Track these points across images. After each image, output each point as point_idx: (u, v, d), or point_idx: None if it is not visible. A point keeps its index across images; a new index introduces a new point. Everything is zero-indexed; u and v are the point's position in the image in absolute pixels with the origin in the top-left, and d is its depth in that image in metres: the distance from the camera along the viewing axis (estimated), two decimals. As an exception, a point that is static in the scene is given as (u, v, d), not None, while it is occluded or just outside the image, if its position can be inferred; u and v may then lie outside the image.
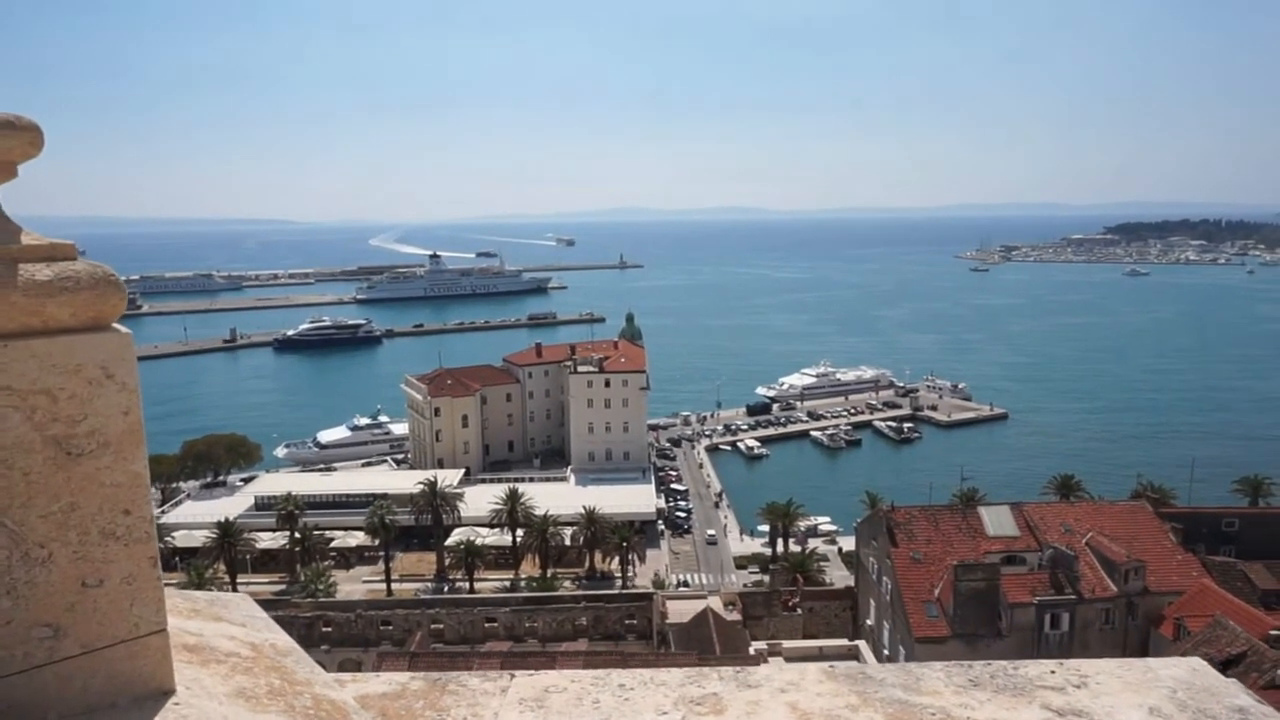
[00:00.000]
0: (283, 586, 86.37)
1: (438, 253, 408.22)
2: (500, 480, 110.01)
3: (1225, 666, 46.73)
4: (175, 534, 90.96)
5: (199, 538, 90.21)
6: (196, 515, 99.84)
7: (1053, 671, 3.72)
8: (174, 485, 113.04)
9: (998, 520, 61.14)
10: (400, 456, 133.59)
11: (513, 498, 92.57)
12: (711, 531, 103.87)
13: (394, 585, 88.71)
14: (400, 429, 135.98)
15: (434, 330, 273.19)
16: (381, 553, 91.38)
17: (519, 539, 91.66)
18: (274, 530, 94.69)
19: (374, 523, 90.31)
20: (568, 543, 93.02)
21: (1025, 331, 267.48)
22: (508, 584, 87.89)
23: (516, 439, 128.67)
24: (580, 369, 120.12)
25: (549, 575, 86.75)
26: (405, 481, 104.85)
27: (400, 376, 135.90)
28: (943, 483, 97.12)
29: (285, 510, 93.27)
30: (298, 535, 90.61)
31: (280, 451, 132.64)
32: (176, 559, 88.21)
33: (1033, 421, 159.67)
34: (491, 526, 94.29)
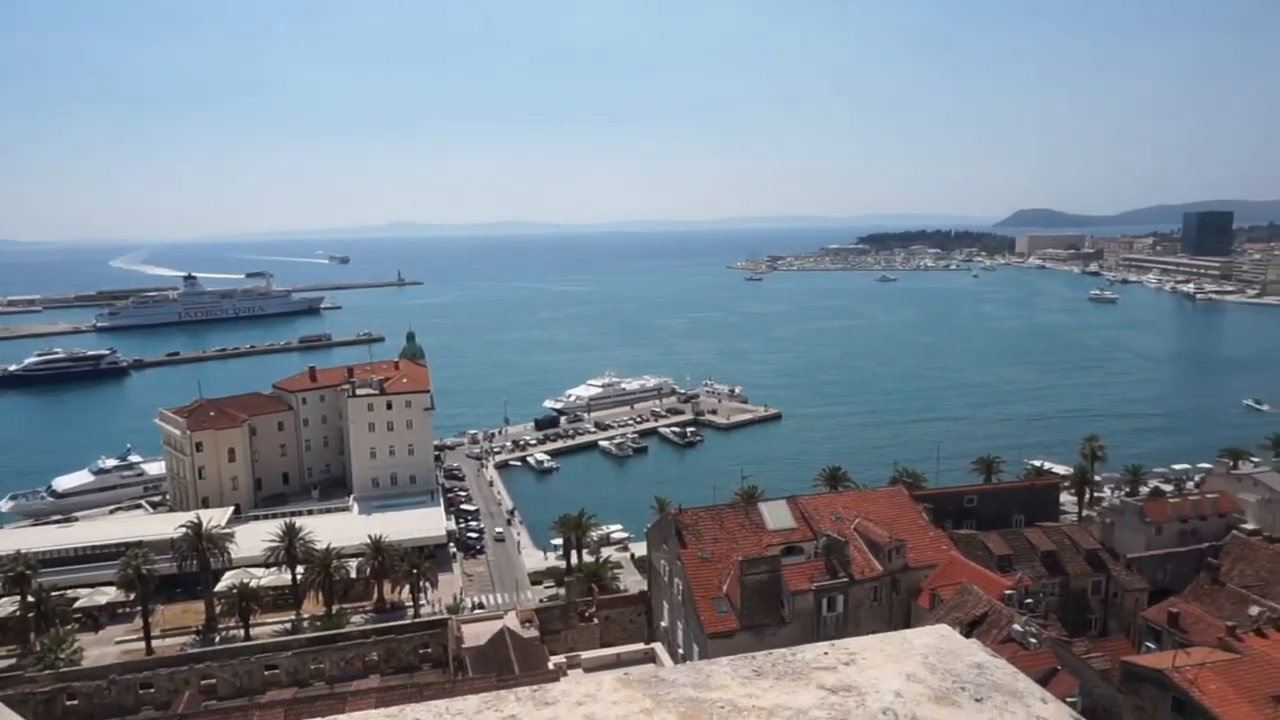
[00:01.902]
0: (13, 660, 75.68)
1: (193, 274, 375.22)
2: (275, 515, 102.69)
3: (973, 627, 52.40)
4: None
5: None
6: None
7: (826, 653, 4.00)
8: None
9: (776, 514, 64.85)
10: (157, 499, 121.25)
11: (290, 533, 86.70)
12: (499, 529, 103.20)
13: (155, 643, 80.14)
14: (156, 468, 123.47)
15: (191, 358, 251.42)
16: (139, 608, 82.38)
17: (299, 577, 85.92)
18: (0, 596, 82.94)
19: (127, 575, 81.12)
20: (354, 575, 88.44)
21: (792, 336, 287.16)
22: (289, 626, 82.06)
23: (292, 470, 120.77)
24: (359, 392, 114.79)
25: (335, 612, 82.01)
26: (164, 526, 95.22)
27: (154, 410, 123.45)
28: (725, 482, 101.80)
29: (13, 571, 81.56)
30: (31, 599, 79.70)
31: (4, 505, 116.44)
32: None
33: (803, 419, 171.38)
34: (268, 566, 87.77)
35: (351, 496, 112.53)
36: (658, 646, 61.03)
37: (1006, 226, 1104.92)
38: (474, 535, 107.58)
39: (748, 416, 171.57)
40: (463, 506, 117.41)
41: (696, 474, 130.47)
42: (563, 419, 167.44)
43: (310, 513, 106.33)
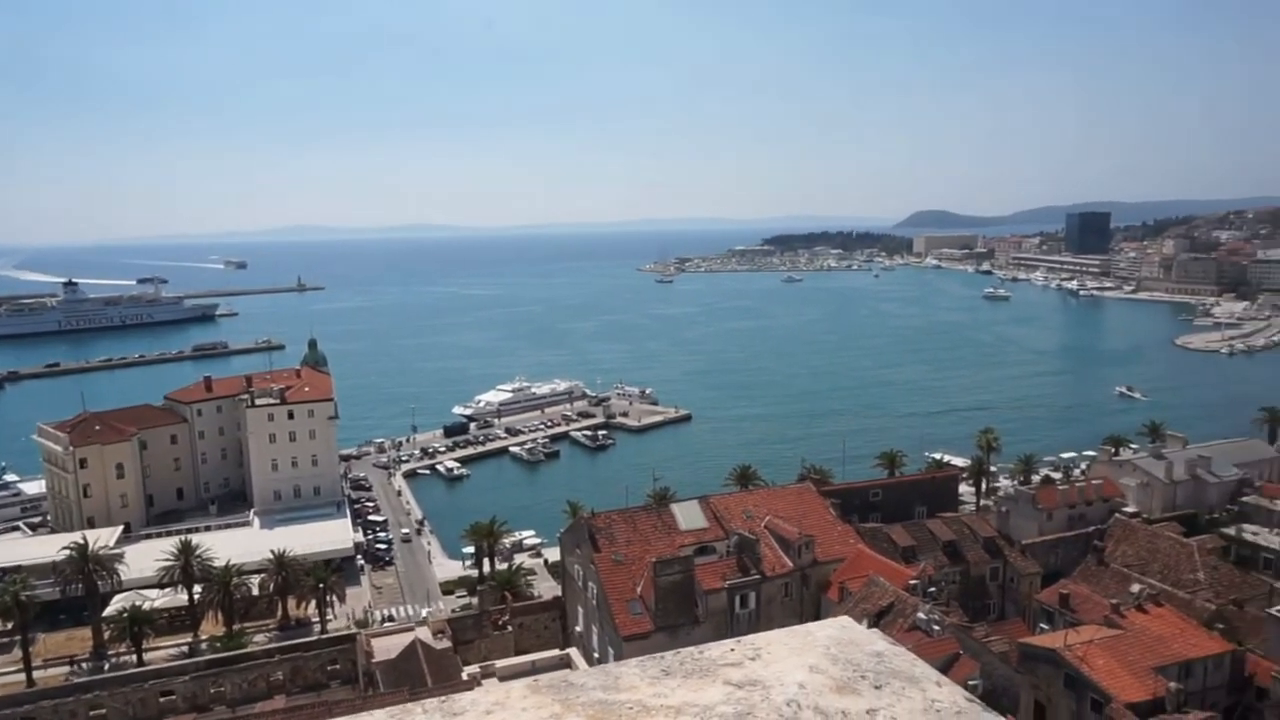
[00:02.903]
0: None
1: (74, 280, 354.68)
2: (170, 533, 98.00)
3: (880, 617, 54.01)
4: None
5: None
6: None
7: (732, 649, 4.06)
8: None
9: (688, 515, 65.49)
10: (37, 520, 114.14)
11: (186, 551, 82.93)
12: (405, 530, 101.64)
13: (36, 674, 75.40)
14: (34, 488, 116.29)
15: (73, 369, 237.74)
16: (17, 637, 77.37)
17: (197, 596, 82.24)
18: None
19: (4, 602, 76.16)
20: (256, 593, 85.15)
21: (702, 337, 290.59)
22: (186, 649, 78.47)
23: (187, 485, 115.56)
24: (259, 401, 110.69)
25: (236, 632, 78.79)
26: (45, 548, 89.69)
27: (31, 426, 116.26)
28: (638, 484, 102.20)
29: (-125, 603, 75.66)
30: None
31: None
32: None
33: (713, 419, 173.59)
34: (162, 587, 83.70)
35: (252, 510, 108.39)
36: (573, 652, 60.80)
37: (905, 227, 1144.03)
38: (382, 546, 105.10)
39: (659, 418, 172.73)
40: (370, 517, 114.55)
41: (609, 477, 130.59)
42: (472, 425, 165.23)
43: (208, 529, 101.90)
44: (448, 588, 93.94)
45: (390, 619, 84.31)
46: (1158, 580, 62.39)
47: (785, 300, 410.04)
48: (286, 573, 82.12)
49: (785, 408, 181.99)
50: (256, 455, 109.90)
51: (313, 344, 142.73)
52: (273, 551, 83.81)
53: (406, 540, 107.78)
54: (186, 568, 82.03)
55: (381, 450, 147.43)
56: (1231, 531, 74.50)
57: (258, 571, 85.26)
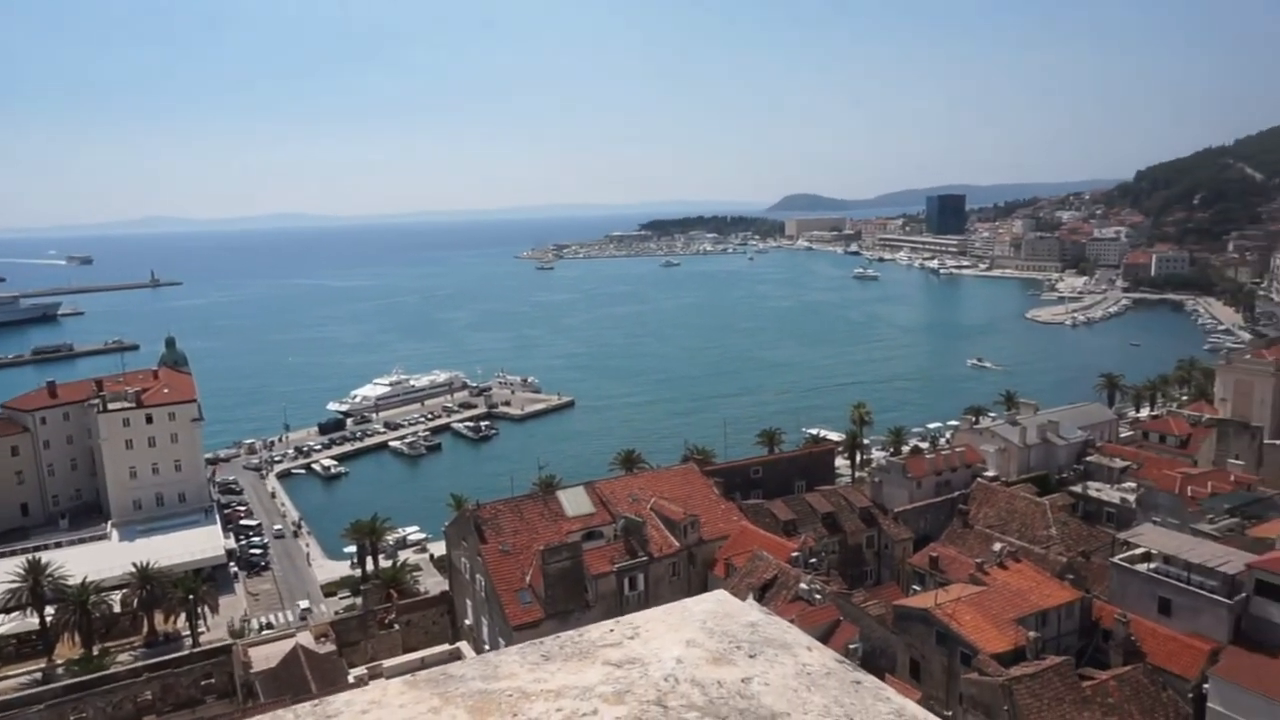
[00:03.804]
0: None
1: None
2: (15, 552, 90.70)
3: (765, 590, 55.66)
4: None
5: None
6: None
7: (611, 630, 4.07)
8: None
9: (575, 501, 65.59)
10: None
11: (35, 570, 76.97)
12: (278, 527, 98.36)
13: None
14: None
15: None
16: None
17: (50, 619, 76.55)
18: None
19: None
20: (118, 609, 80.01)
21: (582, 323, 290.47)
22: (39, 676, 72.99)
23: (32, 499, 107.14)
24: (112, 406, 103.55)
25: (96, 653, 73.84)
26: None
27: None
28: (523, 473, 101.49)
29: None
30: None
31: None
32: None
33: (596, 405, 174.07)
34: (8, 611, 77.44)
35: (109, 523, 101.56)
36: (463, 645, 60.02)
37: (777, 211, 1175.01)
38: (257, 551, 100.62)
39: (542, 406, 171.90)
40: (242, 522, 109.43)
41: (493, 467, 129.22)
42: (349, 421, 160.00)
43: (60, 545, 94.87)
44: (330, 589, 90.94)
45: (269, 626, 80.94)
46: (1016, 538, 66.72)
47: (664, 284, 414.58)
48: (151, 586, 77.47)
49: (667, 390, 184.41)
50: (112, 464, 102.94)
51: (170, 342, 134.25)
52: (135, 564, 78.96)
53: (280, 536, 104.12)
54: (36, 588, 76.18)
55: (252, 451, 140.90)
56: (1078, 489, 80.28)
57: (119, 587, 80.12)
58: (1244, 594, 49.58)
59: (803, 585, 54.76)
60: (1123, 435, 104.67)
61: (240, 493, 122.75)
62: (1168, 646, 50.29)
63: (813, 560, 61.69)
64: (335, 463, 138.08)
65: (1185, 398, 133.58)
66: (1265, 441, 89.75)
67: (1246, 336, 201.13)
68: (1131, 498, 74.91)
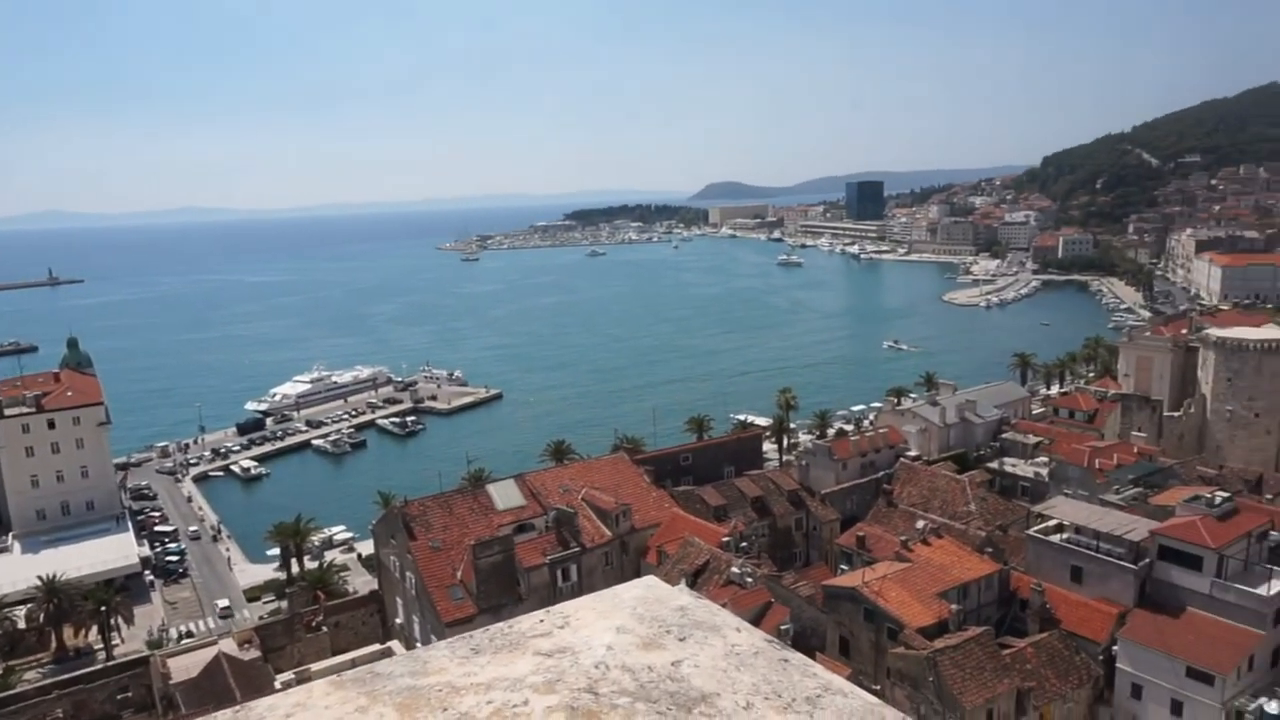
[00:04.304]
0: None
1: None
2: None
3: (697, 575, 56.25)
4: None
5: None
6: None
7: (542, 620, 4.05)
8: None
9: (505, 494, 65.11)
10: None
11: (-67, 587, 72.92)
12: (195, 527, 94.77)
13: None
14: None
15: None
16: None
17: (-50, 636, 72.59)
18: None
19: None
20: (24, 625, 76.33)
21: (509, 315, 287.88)
22: (-59, 696, 69.20)
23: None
24: (9, 411, 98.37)
25: (1, 672, 70.31)
26: None
27: None
28: (451, 468, 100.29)
29: None
30: None
31: None
32: None
33: (525, 397, 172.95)
34: (-96, 631, 73.24)
35: (11, 535, 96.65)
36: (394, 645, 59.13)
37: (700, 199, 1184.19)
38: (174, 558, 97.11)
39: (469, 399, 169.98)
40: (157, 528, 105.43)
41: (421, 463, 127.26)
42: (269, 420, 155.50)
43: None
44: (253, 594, 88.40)
45: (189, 635, 78.29)
46: (938, 515, 68.88)
47: (590, 274, 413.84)
48: (59, 599, 74.09)
49: (596, 380, 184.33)
50: (11, 472, 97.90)
51: (73, 343, 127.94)
52: (41, 577, 75.39)
53: (196, 537, 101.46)
54: (-66, 606, 72.19)
55: (166, 455, 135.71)
56: (995, 465, 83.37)
57: (23, 601, 76.45)
58: (1148, 559, 52.23)
59: (734, 569, 55.54)
60: (1035, 412, 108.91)
61: (154, 498, 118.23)
62: (1079, 612, 52.68)
63: (743, 544, 62.59)
64: (255, 464, 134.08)
65: (1092, 374, 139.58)
66: (1165, 414, 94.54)
67: (1146, 315, 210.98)
68: (1044, 472, 78.10)
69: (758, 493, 74.38)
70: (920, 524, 64.01)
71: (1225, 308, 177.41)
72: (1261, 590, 48.46)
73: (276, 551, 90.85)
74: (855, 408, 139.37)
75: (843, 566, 66.61)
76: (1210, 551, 49.49)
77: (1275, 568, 50.68)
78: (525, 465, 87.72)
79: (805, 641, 51.95)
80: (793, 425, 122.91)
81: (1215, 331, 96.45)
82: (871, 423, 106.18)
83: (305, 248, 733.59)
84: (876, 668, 50.38)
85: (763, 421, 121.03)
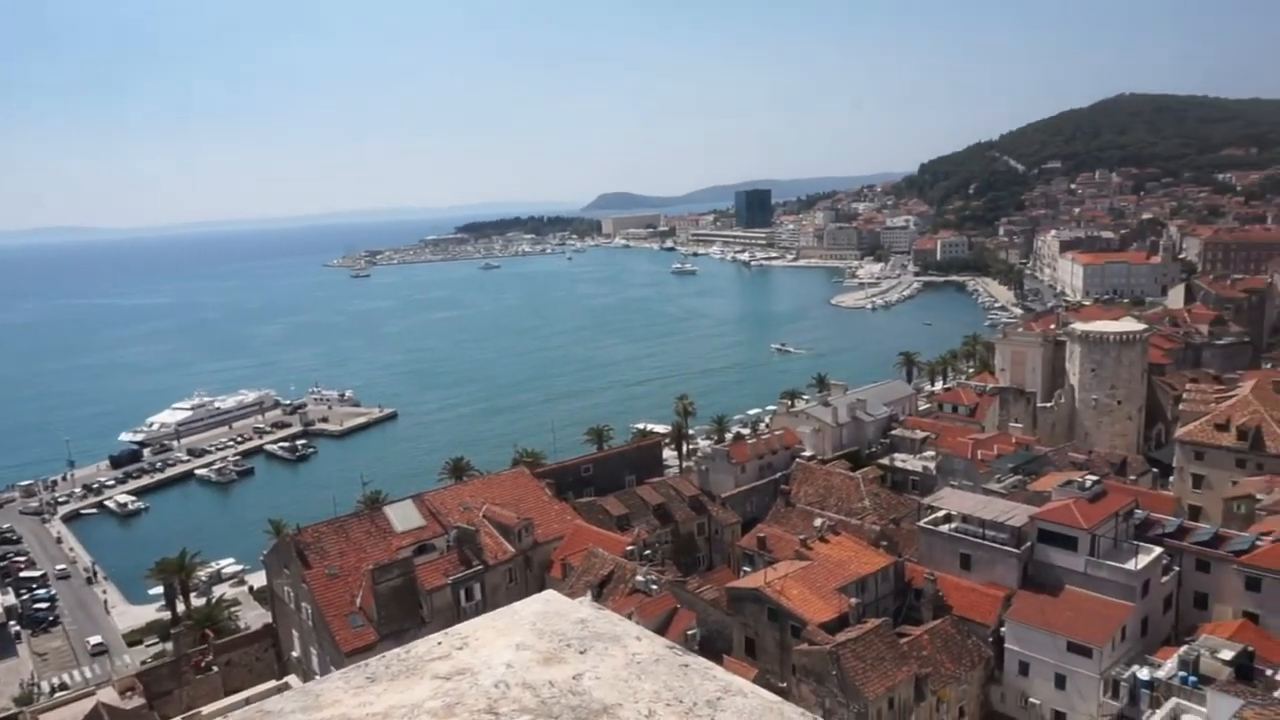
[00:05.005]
0: None
1: None
2: None
3: (602, 586, 56.15)
4: None
5: None
6: None
7: (439, 643, 3.96)
8: None
9: (403, 515, 63.47)
10: None
11: None
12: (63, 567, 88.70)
13: None
14: None
15: None
16: None
17: None
18: None
19: None
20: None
21: (401, 331, 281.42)
22: None
23: None
24: None
25: None
26: None
27: None
28: (346, 492, 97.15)
29: None
30: None
31: None
32: None
33: (420, 415, 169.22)
34: None
35: None
36: (291, 679, 56.66)
37: (593, 210, 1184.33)
38: (43, 605, 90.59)
39: (362, 419, 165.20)
40: (23, 574, 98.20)
41: (314, 488, 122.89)
42: (146, 451, 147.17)
43: None
44: (134, 637, 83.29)
45: (64, 687, 73.10)
46: (834, 512, 70.87)
47: (484, 288, 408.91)
48: (-87, 656, 68.13)
49: (493, 395, 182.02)
50: None
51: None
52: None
53: (65, 577, 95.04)
54: None
55: (30, 494, 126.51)
56: (886, 461, 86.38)
57: None
58: (1029, 543, 55.11)
59: (639, 578, 55.70)
60: (921, 408, 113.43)
61: (18, 541, 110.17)
62: (969, 598, 55.12)
63: (647, 552, 62.85)
64: (133, 498, 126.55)
65: (972, 370, 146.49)
66: (1038, 405, 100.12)
67: (1018, 312, 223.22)
68: (932, 465, 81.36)
69: (659, 500, 74.86)
70: (818, 522, 65.69)
71: (1088, 303, 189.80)
72: (1130, 565, 51.82)
73: (160, 590, 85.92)
74: (751, 411, 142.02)
75: (745, 568, 67.70)
76: (1084, 532, 52.60)
77: (1141, 544, 54.33)
78: (423, 485, 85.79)
79: (712, 645, 52.52)
80: (691, 431, 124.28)
81: (1079, 326, 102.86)
82: (767, 425, 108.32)
83: (186, 267, 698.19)
84: (782, 665, 51.39)
85: (662, 429, 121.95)
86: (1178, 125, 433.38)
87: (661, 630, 49.47)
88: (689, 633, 51.66)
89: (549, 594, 4.30)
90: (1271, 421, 76.84)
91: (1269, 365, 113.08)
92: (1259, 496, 65.13)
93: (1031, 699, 51.65)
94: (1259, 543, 53.06)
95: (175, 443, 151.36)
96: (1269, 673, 41.32)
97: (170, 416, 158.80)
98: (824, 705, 46.49)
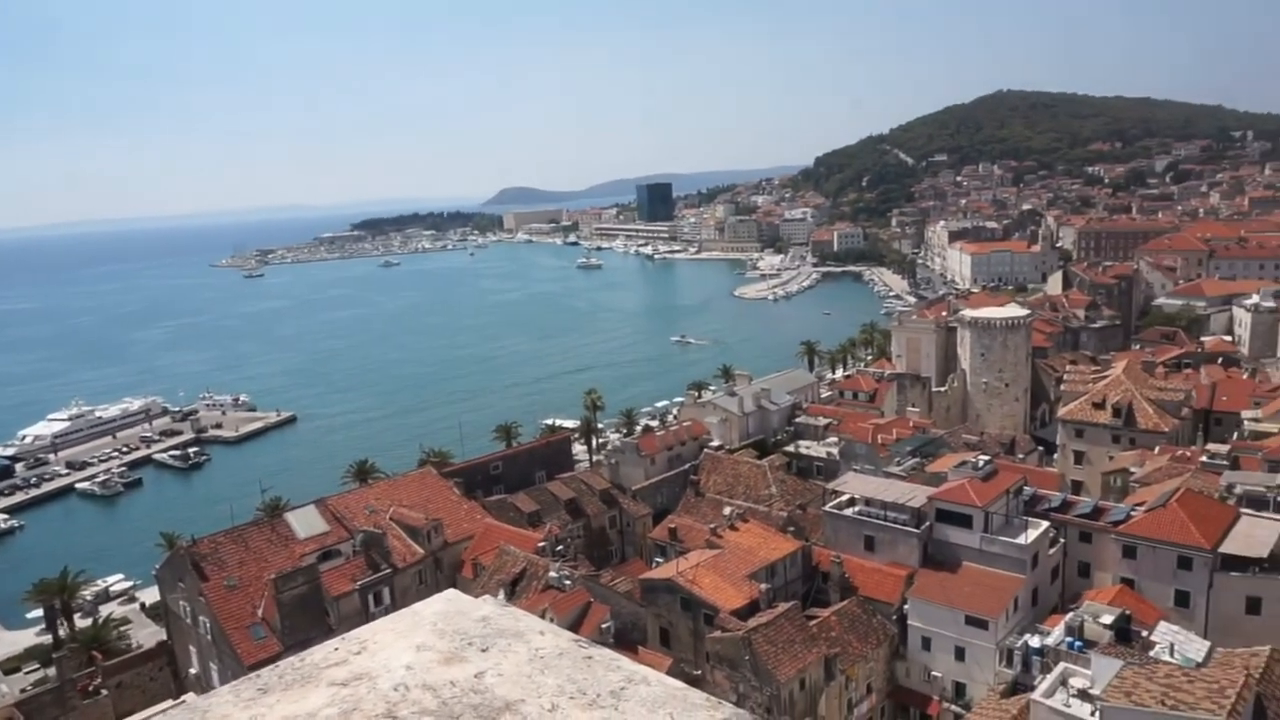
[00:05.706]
0: None
1: None
2: None
3: (515, 583, 55.69)
4: None
5: None
6: None
7: (336, 649, 3.82)
8: None
9: (306, 521, 61.52)
10: None
11: None
12: None
13: None
14: None
15: None
16: None
17: None
18: None
19: None
20: None
21: (297, 332, 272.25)
22: None
23: None
24: None
25: None
26: None
27: None
28: (244, 499, 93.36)
29: None
30: None
31: None
32: None
33: (321, 417, 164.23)
34: None
35: None
36: (189, 698, 54.18)
37: (494, 205, 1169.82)
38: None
39: (259, 424, 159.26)
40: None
41: (208, 497, 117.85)
42: (18, 466, 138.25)
43: None
44: (12, 665, 78.03)
45: (-68, 721, 68.08)
46: (743, 500, 72.11)
47: (384, 286, 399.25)
48: None
49: (397, 395, 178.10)
50: None
51: None
52: None
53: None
54: None
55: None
56: (791, 449, 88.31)
57: None
58: (928, 523, 57.31)
59: (552, 574, 55.45)
60: (823, 396, 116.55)
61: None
62: (874, 578, 56.97)
63: (559, 548, 62.62)
64: (4, 516, 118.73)
65: (870, 357, 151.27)
66: (933, 389, 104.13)
67: (912, 300, 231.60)
68: (835, 451, 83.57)
69: (570, 495, 74.70)
70: (727, 510, 66.74)
71: (976, 291, 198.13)
72: (1020, 540, 54.48)
73: (39, 613, 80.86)
74: (659, 404, 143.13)
75: (657, 559, 68.23)
76: (978, 510, 55.01)
77: (1030, 519, 57.19)
78: (326, 489, 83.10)
79: (628, 636, 52.76)
80: (600, 425, 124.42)
81: (968, 313, 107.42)
82: (675, 417, 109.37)
83: (53, 271, 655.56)
84: (697, 654, 52.03)
85: (570, 424, 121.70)
86: (1051, 120, 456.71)
87: (576, 625, 49.40)
88: (603, 626, 51.75)
89: (451, 593, 4.21)
90: (1141, 399, 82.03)
91: (1137, 346, 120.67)
92: (1132, 469, 69.45)
93: (934, 672, 53.79)
94: (1133, 513, 56.54)
95: (52, 456, 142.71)
96: (1144, 634, 44.13)
97: (45, 428, 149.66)
98: (738, 690, 47.32)
